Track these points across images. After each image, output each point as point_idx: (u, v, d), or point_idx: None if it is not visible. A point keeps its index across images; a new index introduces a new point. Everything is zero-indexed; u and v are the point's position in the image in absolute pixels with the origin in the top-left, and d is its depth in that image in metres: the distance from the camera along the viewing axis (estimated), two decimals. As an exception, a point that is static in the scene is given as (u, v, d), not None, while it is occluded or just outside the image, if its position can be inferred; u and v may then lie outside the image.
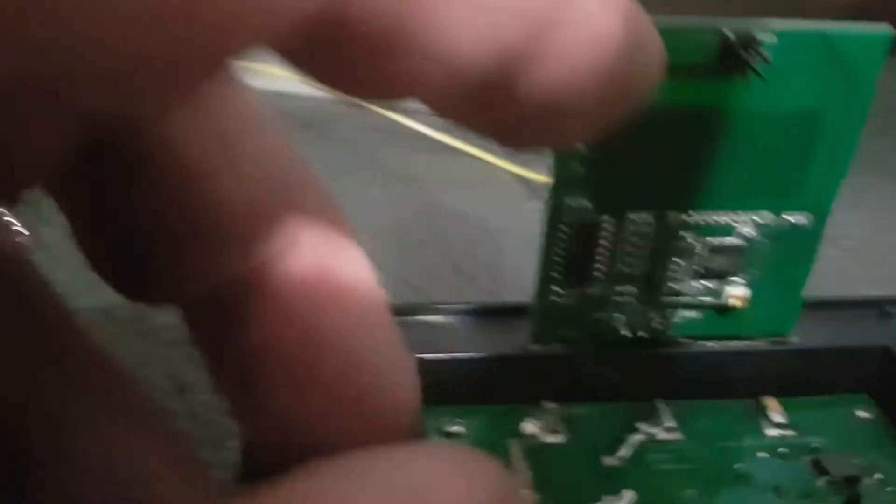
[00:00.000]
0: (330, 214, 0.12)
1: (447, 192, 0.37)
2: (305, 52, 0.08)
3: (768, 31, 0.18)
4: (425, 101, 0.09)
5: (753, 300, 0.22)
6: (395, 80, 0.08)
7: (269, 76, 0.33)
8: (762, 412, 0.22)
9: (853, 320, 0.24)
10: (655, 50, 0.10)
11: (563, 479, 0.20)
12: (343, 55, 0.08)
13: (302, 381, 0.11)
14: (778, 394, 0.22)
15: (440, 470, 0.09)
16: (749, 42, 0.18)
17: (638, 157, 0.20)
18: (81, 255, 0.11)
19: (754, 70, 0.19)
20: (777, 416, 0.22)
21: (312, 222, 0.11)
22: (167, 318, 0.28)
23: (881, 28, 0.19)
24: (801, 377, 0.22)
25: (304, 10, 0.07)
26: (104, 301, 0.28)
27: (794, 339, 0.23)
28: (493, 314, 0.23)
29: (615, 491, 0.20)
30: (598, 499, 0.19)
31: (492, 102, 0.09)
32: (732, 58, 0.18)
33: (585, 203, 0.20)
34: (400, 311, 0.24)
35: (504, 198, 0.37)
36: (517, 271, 0.32)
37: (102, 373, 0.12)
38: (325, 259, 0.11)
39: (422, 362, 0.21)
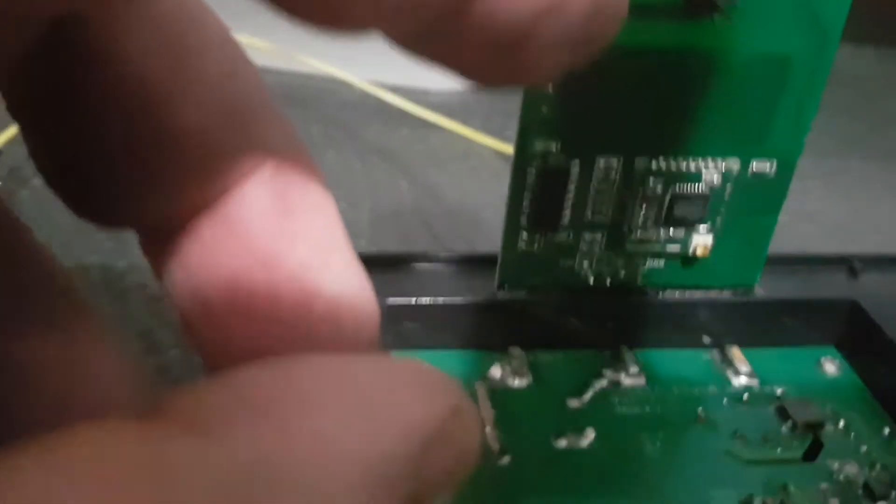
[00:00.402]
0: (293, 150, 0.12)
1: (428, 167, 0.37)
2: None
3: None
4: (383, 30, 0.09)
5: (718, 249, 0.22)
6: (349, 7, 0.08)
7: (253, 50, 0.33)
8: (727, 362, 0.22)
9: (821, 275, 0.24)
10: None
11: (528, 418, 0.20)
12: None
13: (259, 312, 0.11)
14: (743, 344, 0.22)
15: (395, 380, 0.09)
16: (714, -22, 0.18)
17: (605, 101, 0.20)
18: (42, 176, 0.11)
19: (721, 10, 0.19)
20: (742, 365, 0.22)
21: (274, 156, 0.11)
22: (138, 278, 0.28)
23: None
24: (768, 328, 0.23)
25: None
26: (78, 261, 0.28)
27: (761, 291, 0.23)
28: (463, 263, 0.23)
29: (579, 430, 0.20)
30: (562, 437, 0.19)
31: (450, 30, 0.09)
32: (698, -4, 0.18)
33: (553, 146, 0.20)
34: (371, 260, 0.24)
35: (483, 172, 0.37)
36: (494, 243, 0.32)
37: (60, 295, 0.12)
38: (286, 191, 0.12)
39: (391, 308, 0.21)
